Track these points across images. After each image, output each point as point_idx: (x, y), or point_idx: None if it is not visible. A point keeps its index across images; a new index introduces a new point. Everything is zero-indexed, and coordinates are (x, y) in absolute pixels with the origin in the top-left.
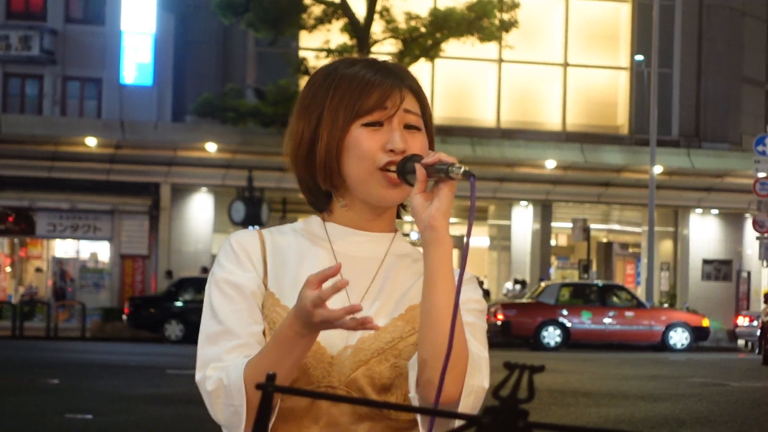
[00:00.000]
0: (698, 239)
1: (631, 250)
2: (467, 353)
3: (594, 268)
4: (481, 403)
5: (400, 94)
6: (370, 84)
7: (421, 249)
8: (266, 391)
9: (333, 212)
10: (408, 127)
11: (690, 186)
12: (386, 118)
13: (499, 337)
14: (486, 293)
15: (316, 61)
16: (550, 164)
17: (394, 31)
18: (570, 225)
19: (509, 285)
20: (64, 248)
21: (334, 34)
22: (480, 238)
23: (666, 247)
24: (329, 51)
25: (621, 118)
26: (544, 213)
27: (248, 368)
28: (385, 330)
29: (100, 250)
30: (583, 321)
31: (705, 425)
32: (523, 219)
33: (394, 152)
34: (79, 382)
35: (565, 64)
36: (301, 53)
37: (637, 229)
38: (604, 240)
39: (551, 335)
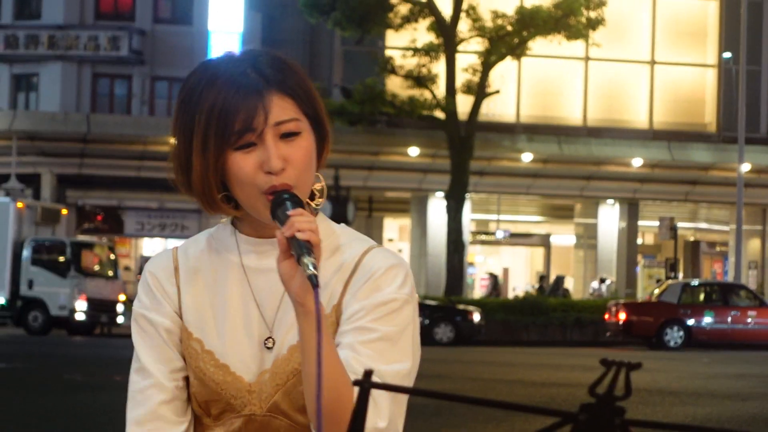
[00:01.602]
0: None
1: (718, 248)
2: (349, 402)
3: (681, 266)
4: None
5: (264, 110)
6: (231, 108)
7: (337, 231)
8: (363, 387)
9: (241, 219)
10: (286, 135)
11: None
12: (257, 138)
13: (621, 336)
14: (562, 291)
15: (402, 60)
16: (637, 162)
17: (480, 30)
18: (657, 223)
19: (595, 284)
20: (152, 247)
21: (421, 33)
22: (566, 237)
23: (754, 245)
24: (416, 50)
25: (708, 116)
26: (631, 211)
27: None
28: (297, 349)
29: None
30: (706, 321)
31: None
32: (609, 217)
33: (272, 174)
34: None
35: (652, 62)
36: (388, 52)
37: (725, 228)
38: (691, 238)
39: (673, 335)
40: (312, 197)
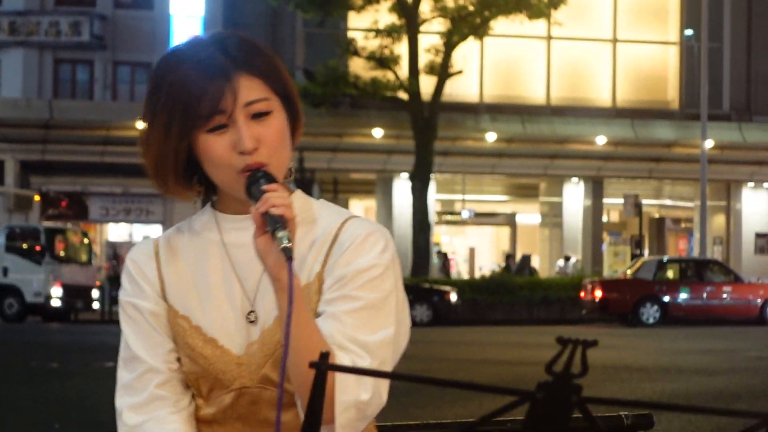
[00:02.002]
0: (751, 213)
1: (683, 225)
2: (330, 381)
3: (646, 243)
4: (366, 414)
5: (233, 91)
6: (198, 90)
7: (315, 205)
8: (320, 369)
9: (219, 199)
10: (257, 115)
11: (742, 160)
12: (227, 119)
13: (597, 314)
14: (528, 269)
15: (365, 41)
16: (601, 140)
17: (442, 10)
18: (621, 201)
19: (561, 262)
20: (117, 232)
21: (383, 14)
22: (531, 215)
23: (718, 221)
24: (378, 31)
25: (671, 93)
26: (596, 189)
27: None
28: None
29: (153, 234)
30: (681, 297)
31: (761, 399)
32: (574, 196)
33: (246, 153)
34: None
35: (615, 40)
36: (350, 33)
37: (689, 204)
38: (656, 215)
39: (649, 312)
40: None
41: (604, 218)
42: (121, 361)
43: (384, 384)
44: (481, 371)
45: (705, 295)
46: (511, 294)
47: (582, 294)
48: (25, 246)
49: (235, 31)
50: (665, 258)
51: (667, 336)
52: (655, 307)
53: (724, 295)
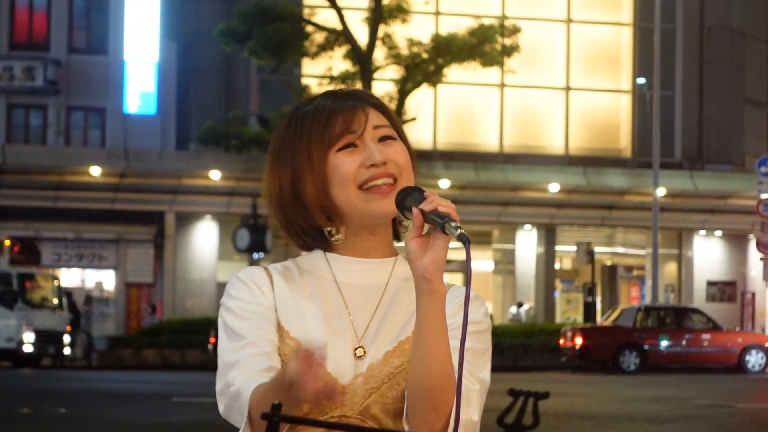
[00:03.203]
0: (702, 261)
1: (635, 272)
2: (453, 390)
3: (599, 291)
4: None
5: (364, 111)
6: (331, 112)
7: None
8: (271, 421)
9: (332, 247)
10: (383, 138)
11: (693, 208)
12: (358, 139)
13: (577, 361)
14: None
15: (318, 88)
16: (554, 188)
17: (396, 58)
18: (574, 248)
19: (513, 309)
20: (69, 277)
21: (337, 61)
22: (484, 262)
23: (670, 269)
24: (332, 78)
25: (624, 141)
26: (548, 237)
27: (255, 392)
28: (393, 355)
29: (106, 279)
30: (661, 344)
31: None
32: (527, 243)
33: (375, 166)
34: (86, 411)
35: (567, 88)
36: (304, 80)
37: (641, 252)
38: (609, 263)
39: (629, 359)
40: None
41: (557, 265)
42: (230, 351)
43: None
44: None
45: (684, 342)
46: None
47: (562, 341)
48: None
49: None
50: (645, 305)
51: (616, 383)
52: (635, 354)
53: (704, 343)
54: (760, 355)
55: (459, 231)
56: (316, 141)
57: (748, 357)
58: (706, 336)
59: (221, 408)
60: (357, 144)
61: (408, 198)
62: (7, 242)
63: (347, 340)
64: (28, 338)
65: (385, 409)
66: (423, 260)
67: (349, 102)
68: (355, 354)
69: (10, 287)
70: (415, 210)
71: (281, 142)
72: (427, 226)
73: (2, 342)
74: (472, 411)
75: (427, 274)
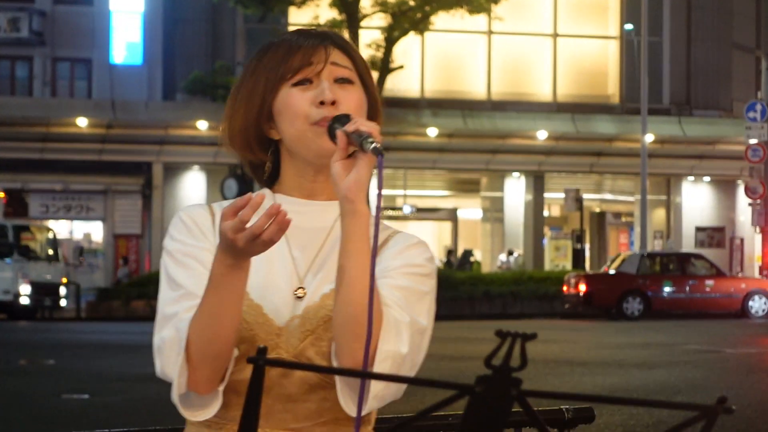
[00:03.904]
0: (691, 207)
1: (624, 219)
2: (380, 319)
3: (587, 238)
4: (401, 370)
5: (325, 50)
6: (293, 47)
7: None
8: (257, 365)
9: (281, 183)
10: (340, 81)
11: (682, 154)
12: (314, 74)
13: (581, 308)
14: (469, 264)
15: None
16: (542, 135)
17: (383, 5)
18: (563, 195)
19: (503, 257)
20: (57, 229)
21: (323, 9)
22: (473, 210)
23: (659, 215)
24: (318, 26)
25: (612, 88)
26: (537, 184)
27: (193, 320)
28: (329, 297)
29: (94, 231)
30: (665, 290)
31: (700, 392)
32: (515, 190)
33: (324, 104)
34: (74, 363)
35: (555, 35)
36: (291, 29)
37: (630, 198)
38: (597, 210)
39: (633, 306)
40: None
41: (545, 213)
42: (167, 300)
43: (421, 350)
44: (422, 366)
45: (688, 288)
46: (453, 289)
47: (565, 288)
48: None
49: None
50: (648, 252)
51: (605, 330)
52: (638, 300)
53: (707, 289)
54: (763, 300)
55: (373, 145)
56: (271, 73)
57: (751, 303)
58: (709, 282)
59: (158, 366)
60: (312, 80)
61: (335, 124)
62: (2, 194)
63: (288, 281)
64: (25, 290)
65: (321, 352)
66: (346, 180)
67: (313, 39)
68: (296, 295)
69: (6, 239)
70: (338, 132)
71: (242, 78)
72: (353, 150)
73: None
74: (400, 343)
75: (350, 194)
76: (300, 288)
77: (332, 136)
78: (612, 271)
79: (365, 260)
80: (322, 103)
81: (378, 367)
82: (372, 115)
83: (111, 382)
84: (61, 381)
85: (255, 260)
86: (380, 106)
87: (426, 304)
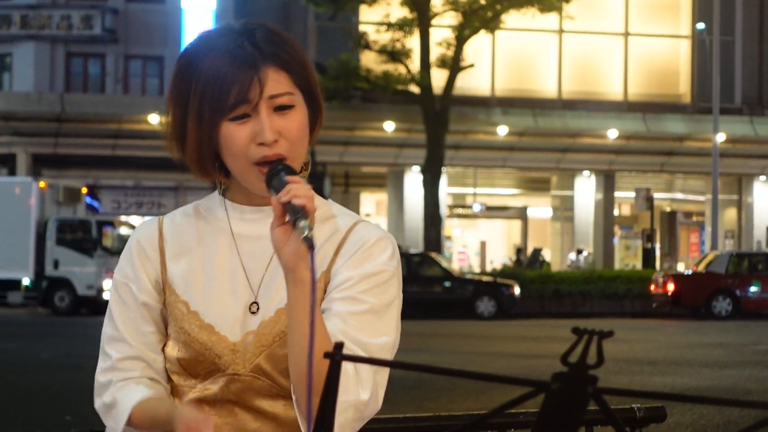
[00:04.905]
0: (762, 207)
1: (694, 218)
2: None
3: (657, 237)
4: (363, 416)
5: (260, 82)
6: (227, 79)
7: (327, 203)
8: (334, 360)
9: (230, 191)
10: (280, 108)
11: (753, 153)
12: (251, 110)
13: (668, 307)
14: (539, 263)
15: (376, 35)
16: (613, 134)
17: (454, 4)
18: (633, 195)
19: (573, 256)
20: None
21: (395, 8)
22: (543, 209)
23: (730, 215)
24: (389, 25)
25: (683, 87)
26: (607, 183)
27: (135, 411)
28: (284, 312)
29: None
30: (753, 290)
31: None
32: (586, 189)
33: (265, 145)
34: None
35: (626, 34)
36: (362, 27)
37: (701, 198)
38: (668, 209)
39: (721, 305)
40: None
41: (615, 212)
42: (107, 337)
43: (381, 388)
44: (493, 364)
45: None
46: (523, 287)
47: (652, 287)
48: (75, 238)
49: (265, 22)
50: (737, 251)
51: (677, 329)
52: (727, 300)
53: None
54: None
55: (305, 234)
56: (209, 106)
57: None
58: None
59: (96, 402)
60: (250, 114)
61: (273, 179)
62: (84, 190)
63: (240, 296)
64: (108, 285)
65: (277, 368)
66: (285, 250)
67: (246, 67)
68: (250, 310)
69: (90, 235)
70: (273, 200)
71: (178, 87)
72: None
73: (82, 289)
74: (360, 389)
75: (290, 264)
76: (254, 303)
77: (270, 189)
78: (701, 271)
79: (317, 328)
80: (261, 144)
81: (339, 418)
82: (314, 122)
83: None
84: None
85: (205, 273)
86: (322, 104)
87: (389, 315)
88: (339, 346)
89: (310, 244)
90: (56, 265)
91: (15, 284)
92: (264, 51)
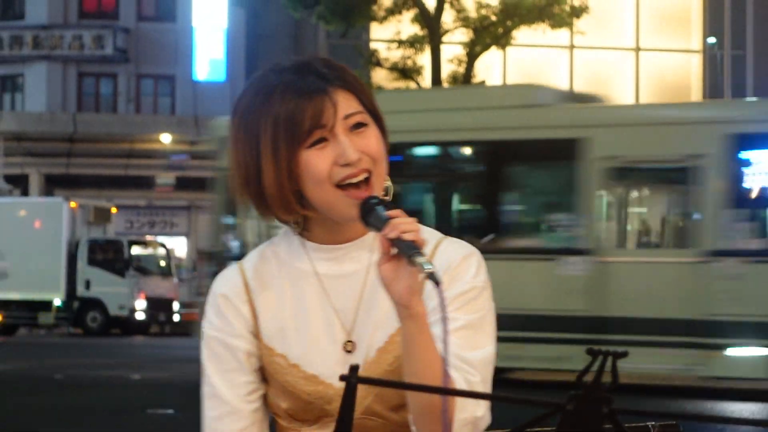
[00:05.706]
0: None
1: None
2: (453, 399)
3: None
4: (477, 430)
5: (332, 102)
6: (298, 107)
7: None
8: (350, 383)
9: (308, 230)
10: (355, 126)
11: None
12: (328, 133)
13: None
14: None
15: (387, 52)
16: None
17: (464, 21)
18: None
19: None
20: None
21: (405, 25)
22: None
23: None
24: (400, 42)
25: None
26: None
27: None
28: (385, 351)
29: (178, 246)
30: None
31: None
32: None
33: (350, 165)
34: (158, 377)
35: (637, 49)
36: (372, 45)
37: None
38: None
39: None
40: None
41: None
42: (205, 396)
43: (489, 389)
44: (507, 384)
45: None
46: None
47: None
48: (107, 258)
49: (316, 53)
50: None
51: None
52: None
53: None
54: None
55: (428, 269)
56: (284, 138)
57: None
58: None
59: None
60: (328, 138)
61: (371, 216)
62: (114, 210)
63: (335, 339)
64: (140, 305)
65: (387, 406)
66: (396, 287)
67: (315, 93)
68: (345, 348)
69: (121, 255)
70: (379, 238)
71: (242, 130)
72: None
73: (114, 310)
74: (477, 407)
75: (403, 300)
76: (349, 341)
77: (365, 223)
78: None
79: (430, 354)
80: (345, 164)
81: None
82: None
83: (196, 398)
84: (146, 395)
85: (296, 321)
86: (385, 125)
87: (485, 327)
88: (354, 368)
89: (435, 279)
90: (88, 285)
91: (46, 305)
92: (327, 76)
